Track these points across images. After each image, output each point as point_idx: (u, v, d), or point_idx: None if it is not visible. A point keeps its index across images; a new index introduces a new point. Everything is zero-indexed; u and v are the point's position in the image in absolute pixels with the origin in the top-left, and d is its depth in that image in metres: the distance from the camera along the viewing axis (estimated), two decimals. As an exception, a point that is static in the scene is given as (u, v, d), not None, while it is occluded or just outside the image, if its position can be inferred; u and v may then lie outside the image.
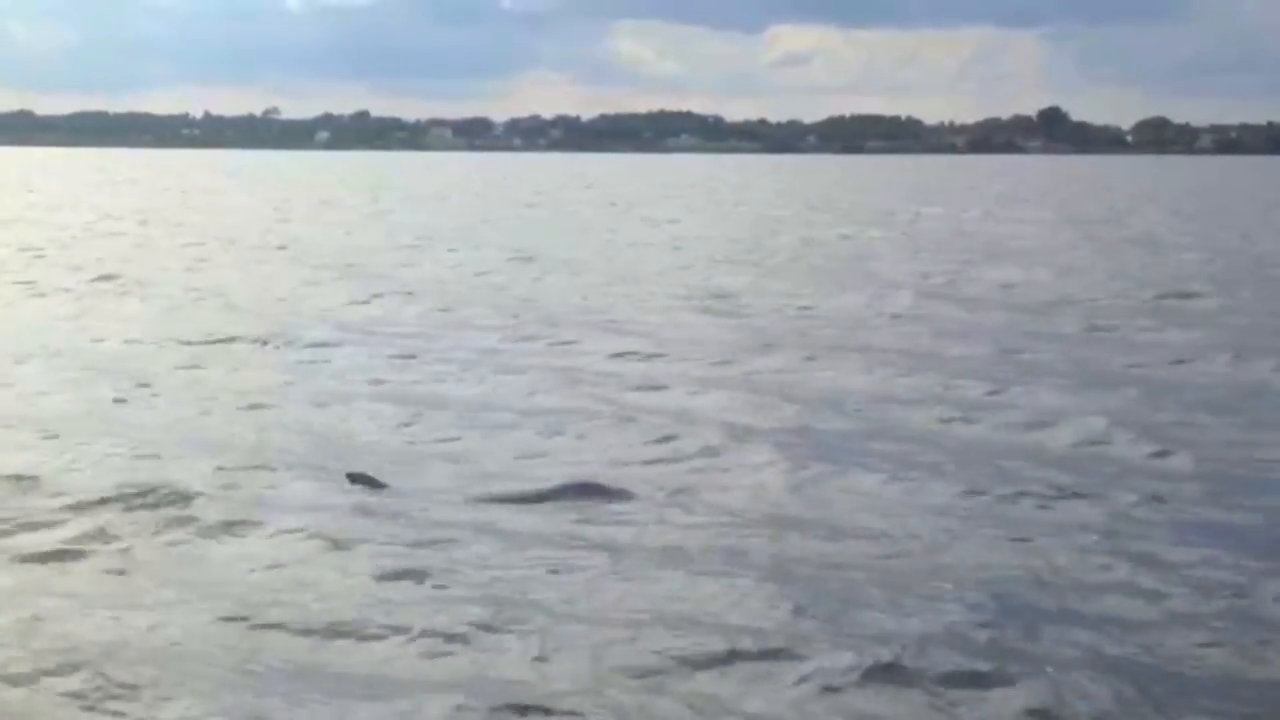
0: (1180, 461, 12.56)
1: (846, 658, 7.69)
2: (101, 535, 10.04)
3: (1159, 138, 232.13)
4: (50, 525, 10.27)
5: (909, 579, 9.12)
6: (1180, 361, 18.41)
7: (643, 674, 7.59)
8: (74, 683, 7.44)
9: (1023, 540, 10.02)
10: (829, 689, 7.43)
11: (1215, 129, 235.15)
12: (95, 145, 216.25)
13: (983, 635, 8.13)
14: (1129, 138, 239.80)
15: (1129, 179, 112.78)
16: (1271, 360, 18.02)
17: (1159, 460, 12.65)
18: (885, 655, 7.71)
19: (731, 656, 7.80)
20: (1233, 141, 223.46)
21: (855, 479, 11.80)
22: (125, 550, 9.73)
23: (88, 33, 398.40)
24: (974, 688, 7.46)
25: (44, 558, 9.55)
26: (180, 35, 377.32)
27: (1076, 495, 11.33)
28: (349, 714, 7.16)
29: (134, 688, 7.36)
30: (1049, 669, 7.62)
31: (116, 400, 15.20)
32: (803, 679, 7.52)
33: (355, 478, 11.42)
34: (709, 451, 12.80)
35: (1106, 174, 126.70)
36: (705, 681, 7.52)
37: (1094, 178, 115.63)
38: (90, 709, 7.21)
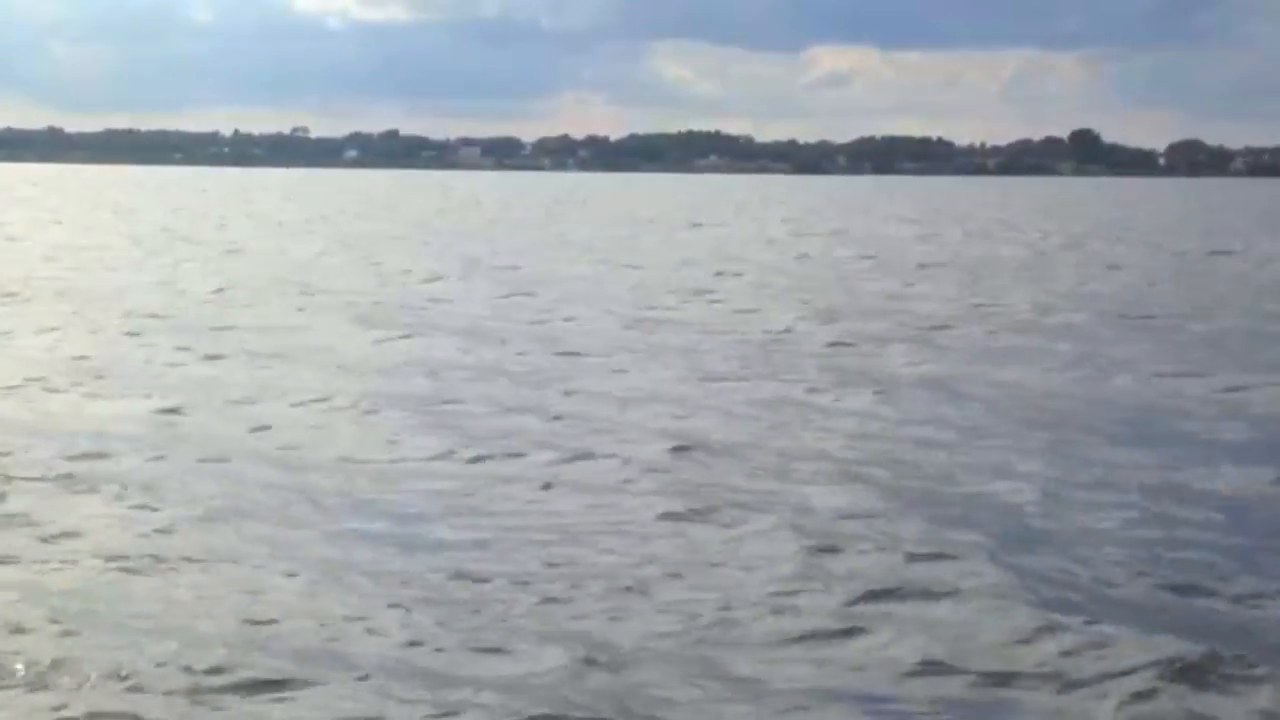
0: None
1: None
2: None
3: (1192, 160, 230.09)
4: None
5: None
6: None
7: None
8: None
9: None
10: None
11: (1249, 152, 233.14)
12: (123, 163, 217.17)
13: None
14: (1162, 160, 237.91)
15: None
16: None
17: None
18: None
19: None
20: (1266, 165, 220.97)
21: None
22: None
23: (128, 52, 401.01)
24: None
25: None
26: (220, 55, 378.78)
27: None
28: None
29: None
30: None
31: None
32: None
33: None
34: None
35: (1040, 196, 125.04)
36: None
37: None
38: None
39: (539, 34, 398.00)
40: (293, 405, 15.71)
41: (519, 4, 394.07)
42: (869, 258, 42.23)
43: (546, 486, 11.84)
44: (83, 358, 19.22)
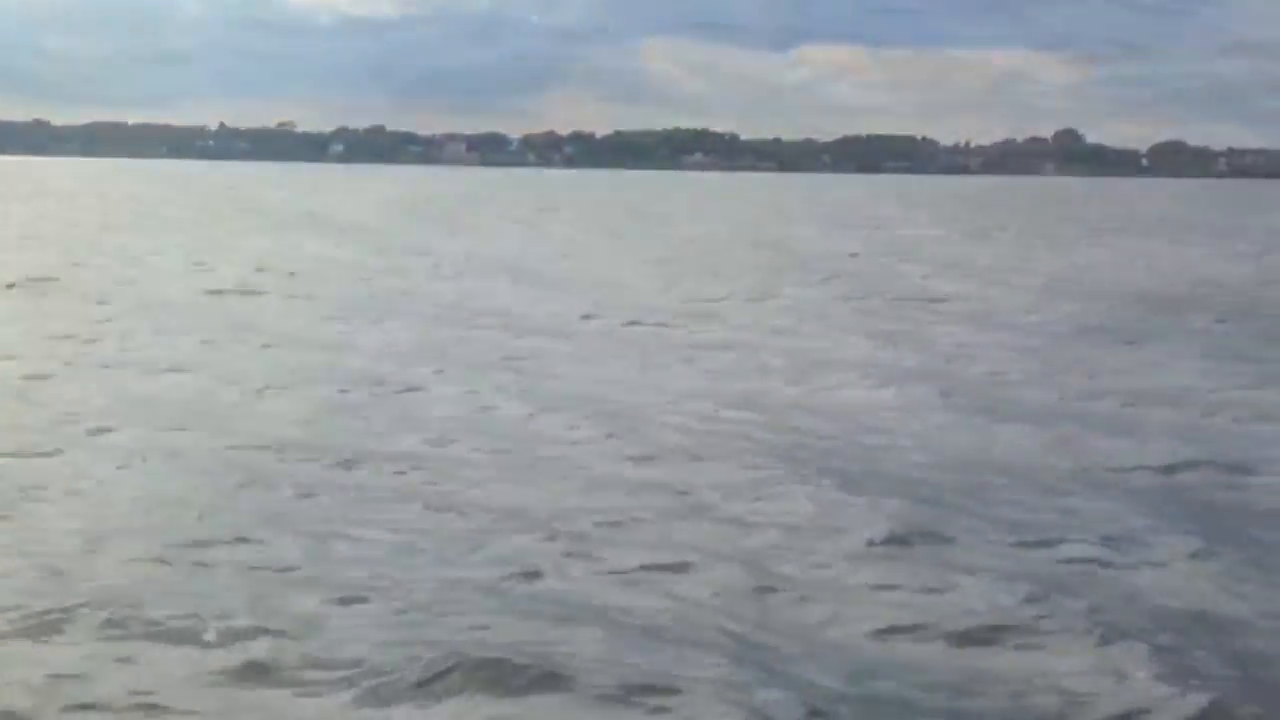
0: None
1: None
2: None
3: (1175, 161, 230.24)
4: None
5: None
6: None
7: None
8: None
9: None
10: None
11: (1232, 153, 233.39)
12: (109, 156, 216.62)
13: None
14: (1144, 161, 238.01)
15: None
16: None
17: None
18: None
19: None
20: (1248, 166, 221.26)
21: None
22: None
23: (120, 46, 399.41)
24: None
25: None
26: (209, 49, 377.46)
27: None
28: None
29: None
30: None
31: None
32: None
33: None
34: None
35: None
36: None
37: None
38: None
39: (529, 31, 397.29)
40: (224, 380, 16.25)
41: (509, 1, 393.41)
42: (844, 255, 42.66)
43: (456, 462, 12.26)
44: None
